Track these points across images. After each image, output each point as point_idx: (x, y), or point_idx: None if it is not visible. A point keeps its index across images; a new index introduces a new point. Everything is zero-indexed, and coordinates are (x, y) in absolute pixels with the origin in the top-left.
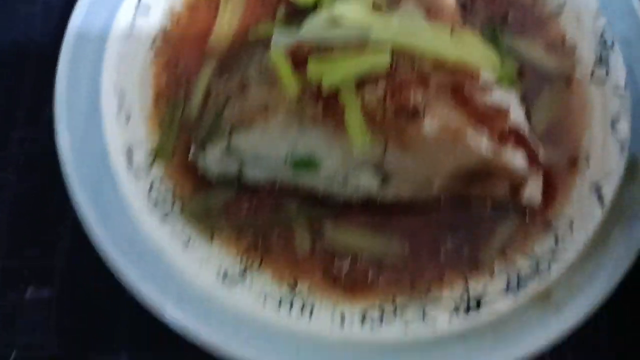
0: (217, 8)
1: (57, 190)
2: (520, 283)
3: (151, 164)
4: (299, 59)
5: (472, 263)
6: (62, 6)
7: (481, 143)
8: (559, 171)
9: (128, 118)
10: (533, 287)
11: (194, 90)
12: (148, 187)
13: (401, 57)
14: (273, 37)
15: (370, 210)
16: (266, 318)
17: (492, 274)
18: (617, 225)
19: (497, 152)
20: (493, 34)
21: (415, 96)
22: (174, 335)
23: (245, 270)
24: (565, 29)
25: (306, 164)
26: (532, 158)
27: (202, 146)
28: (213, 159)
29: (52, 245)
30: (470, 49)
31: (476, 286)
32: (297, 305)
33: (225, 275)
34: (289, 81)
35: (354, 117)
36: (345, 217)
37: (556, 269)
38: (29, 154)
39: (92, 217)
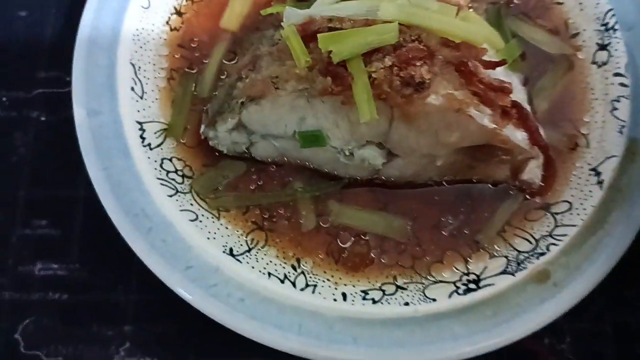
0: None
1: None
2: (519, 264)
3: (162, 141)
4: (309, 34)
5: (472, 244)
6: None
7: (484, 117)
8: (558, 153)
9: (142, 93)
10: (532, 268)
11: (206, 66)
12: (159, 163)
13: (408, 32)
14: (285, 13)
15: (375, 190)
16: (270, 292)
17: (492, 255)
18: (615, 207)
19: (499, 126)
20: (497, 17)
21: (421, 70)
22: (181, 306)
23: (250, 249)
24: (568, 13)
25: (314, 138)
26: (533, 136)
27: (213, 121)
28: (223, 134)
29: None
30: (475, 30)
31: (476, 267)
32: (300, 284)
33: (231, 251)
34: (300, 53)
35: (361, 89)
36: (350, 196)
37: (555, 250)
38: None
39: (104, 188)
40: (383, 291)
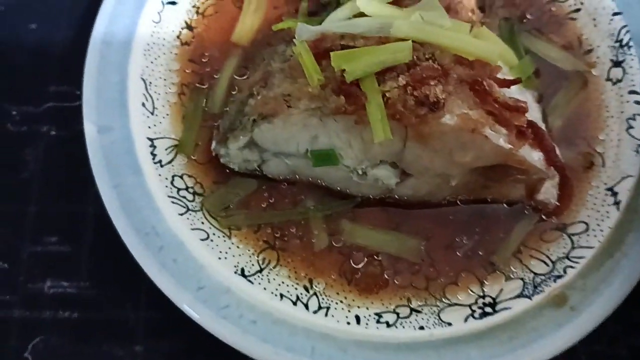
0: (242, 1)
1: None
2: (536, 287)
3: (173, 158)
4: (321, 51)
5: (487, 265)
6: None
7: (499, 137)
8: (574, 172)
9: (153, 109)
10: (549, 291)
11: (217, 82)
12: (170, 180)
13: (421, 50)
14: (297, 29)
15: (387, 209)
16: (282, 314)
17: (507, 277)
18: (632, 228)
19: (515, 146)
20: (511, 33)
21: (435, 89)
22: (191, 325)
23: (262, 269)
24: (582, 29)
25: (326, 157)
26: (549, 156)
27: (224, 139)
28: (235, 152)
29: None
30: (489, 47)
31: (491, 290)
32: (313, 306)
33: (242, 272)
34: (312, 71)
35: (375, 109)
36: (363, 215)
37: (572, 273)
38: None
39: (114, 206)
40: (397, 314)
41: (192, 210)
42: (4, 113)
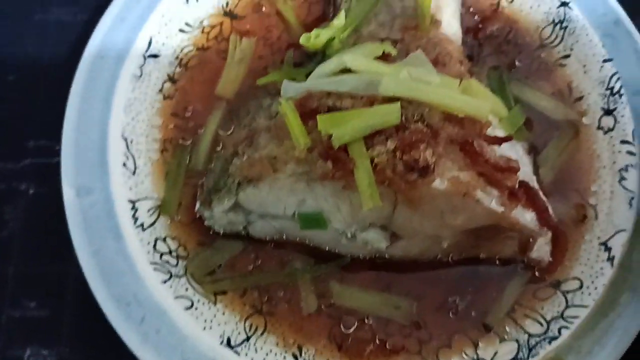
0: (225, 52)
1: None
2: (531, 350)
3: (156, 220)
4: (308, 110)
5: (481, 327)
6: (78, 26)
7: (491, 199)
8: (567, 227)
9: (134, 168)
10: (544, 354)
11: (201, 138)
12: (152, 245)
13: (410, 108)
14: (282, 87)
15: (378, 269)
16: None
17: (502, 339)
18: (627, 286)
19: (507, 209)
20: (500, 83)
21: (425, 153)
22: None
23: (248, 337)
24: (572, 76)
25: (314, 220)
26: (542, 216)
27: (209, 201)
28: (219, 214)
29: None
30: (478, 104)
31: (486, 353)
32: None
33: (228, 342)
34: (299, 134)
35: (363, 176)
36: (352, 275)
37: (566, 333)
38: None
39: (94, 274)
40: None
41: (176, 276)
42: None
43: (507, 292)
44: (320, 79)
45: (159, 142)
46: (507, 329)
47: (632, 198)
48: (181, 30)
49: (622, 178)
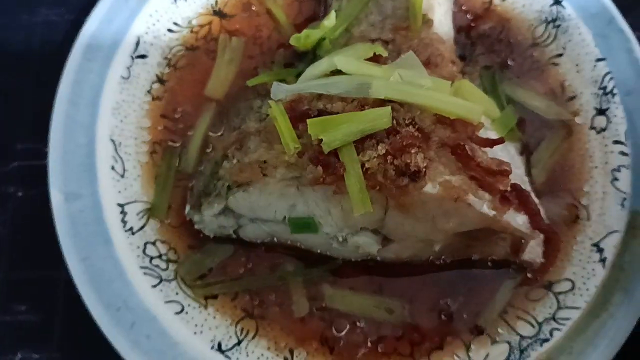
0: (215, 52)
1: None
2: (522, 352)
3: (145, 223)
4: (298, 113)
5: (473, 328)
6: (65, 27)
7: (483, 203)
8: (559, 227)
9: (123, 171)
10: (535, 356)
11: (191, 140)
12: (142, 249)
13: (402, 110)
14: (272, 88)
15: (370, 272)
16: None
17: (493, 340)
18: (618, 287)
19: (499, 212)
20: (492, 83)
21: (416, 158)
22: None
23: (240, 341)
24: (564, 75)
25: (305, 225)
26: (534, 219)
27: (198, 204)
28: (209, 218)
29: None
30: (470, 106)
31: (477, 355)
32: None
33: (219, 346)
34: (289, 139)
35: (354, 180)
36: (344, 277)
37: (558, 335)
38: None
39: (83, 280)
40: None
41: (166, 280)
42: None
43: (499, 293)
44: (311, 81)
45: (148, 145)
46: (499, 330)
47: (625, 199)
48: (170, 30)
49: (615, 178)
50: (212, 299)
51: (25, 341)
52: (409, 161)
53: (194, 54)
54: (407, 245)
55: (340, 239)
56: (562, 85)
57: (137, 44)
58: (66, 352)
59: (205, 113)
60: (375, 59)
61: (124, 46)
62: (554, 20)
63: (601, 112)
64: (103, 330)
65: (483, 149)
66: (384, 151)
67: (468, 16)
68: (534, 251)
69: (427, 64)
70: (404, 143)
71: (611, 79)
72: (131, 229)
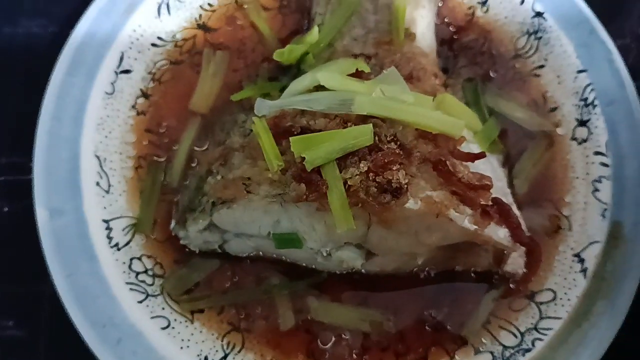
0: (199, 65)
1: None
2: None
3: (131, 239)
4: (281, 130)
5: (456, 338)
6: (49, 39)
7: (464, 218)
8: (541, 238)
9: (108, 187)
10: None
11: (176, 154)
12: (127, 265)
13: (384, 126)
14: (255, 105)
15: (355, 285)
16: None
17: (477, 350)
18: (600, 297)
19: (480, 227)
20: (475, 95)
21: (398, 174)
22: None
23: (226, 355)
24: (546, 86)
25: (289, 240)
26: (515, 232)
27: (183, 220)
28: (195, 234)
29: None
30: (452, 122)
31: None
32: None
33: None
34: (272, 156)
35: (336, 198)
36: (329, 290)
37: (540, 345)
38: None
39: (69, 297)
40: None
41: (152, 295)
42: None
43: (482, 304)
44: (294, 96)
45: (133, 159)
46: (483, 340)
47: (605, 209)
48: (154, 45)
49: (596, 189)
50: (199, 313)
51: (12, 356)
52: (390, 178)
53: (179, 68)
54: (391, 258)
55: (325, 254)
56: (544, 96)
57: (121, 59)
58: None
59: (190, 127)
60: (358, 74)
61: (107, 61)
62: (535, 32)
63: (582, 123)
64: (90, 347)
65: (465, 163)
66: (366, 168)
67: (451, 28)
68: (515, 262)
69: (410, 78)
70: (386, 160)
71: (592, 90)
72: (117, 244)
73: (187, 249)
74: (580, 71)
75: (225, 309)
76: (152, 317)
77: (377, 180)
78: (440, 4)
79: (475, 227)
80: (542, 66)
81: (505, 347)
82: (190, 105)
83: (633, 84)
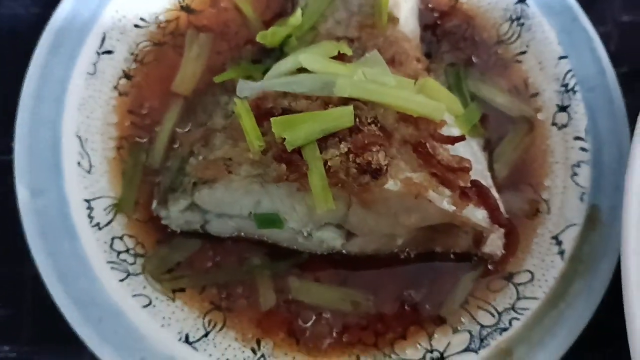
0: (182, 47)
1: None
2: (482, 340)
3: (112, 218)
4: (263, 111)
5: (435, 318)
6: (31, 20)
7: (443, 199)
8: (520, 220)
9: (89, 167)
10: (494, 345)
11: (158, 135)
12: (109, 244)
13: (365, 108)
14: (237, 86)
15: (335, 265)
16: None
17: (455, 329)
18: (577, 278)
19: (459, 208)
20: (457, 80)
21: (378, 155)
22: None
23: (207, 333)
24: (528, 72)
25: (270, 221)
26: (493, 214)
27: (165, 200)
28: (176, 214)
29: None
30: (433, 105)
31: (439, 344)
32: None
33: (187, 338)
34: (253, 137)
35: (317, 179)
36: (310, 270)
37: (517, 325)
38: None
39: (51, 276)
40: None
41: (133, 275)
42: None
43: (461, 284)
44: (276, 78)
45: (115, 140)
46: (461, 320)
47: (584, 193)
48: (136, 26)
49: (574, 174)
50: (180, 292)
51: None
52: (370, 159)
53: (161, 50)
54: (371, 239)
55: (305, 234)
56: (525, 82)
57: (103, 39)
58: (36, 344)
59: (172, 109)
60: (340, 57)
61: (89, 42)
62: (518, 19)
63: (563, 108)
64: (72, 325)
65: (445, 146)
66: (346, 149)
67: (434, 14)
68: (494, 244)
69: (392, 62)
70: (366, 141)
71: (573, 76)
72: (98, 224)
73: (168, 229)
74: (561, 57)
75: (206, 289)
76: (134, 296)
77: (357, 161)
78: None
79: (454, 208)
80: (524, 52)
81: (482, 326)
82: (172, 86)
83: (613, 70)
